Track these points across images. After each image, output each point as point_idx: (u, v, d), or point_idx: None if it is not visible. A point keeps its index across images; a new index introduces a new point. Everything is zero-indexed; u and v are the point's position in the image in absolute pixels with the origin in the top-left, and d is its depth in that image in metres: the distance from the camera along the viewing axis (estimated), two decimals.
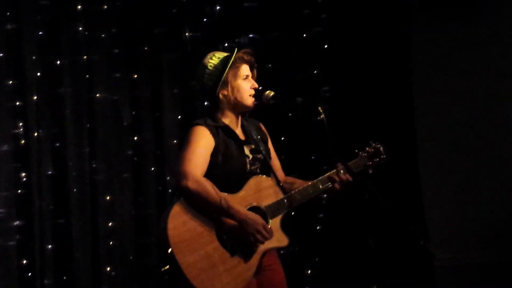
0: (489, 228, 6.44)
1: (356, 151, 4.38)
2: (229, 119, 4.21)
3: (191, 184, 3.89)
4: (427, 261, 6.17)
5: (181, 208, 3.91)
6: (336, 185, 4.22)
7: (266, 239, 3.99)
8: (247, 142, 4.24)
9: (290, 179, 4.40)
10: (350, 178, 4.23)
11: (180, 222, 3.88)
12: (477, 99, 6.61)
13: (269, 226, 4.04)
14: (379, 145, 4.37)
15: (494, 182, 6.54)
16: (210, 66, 4.18)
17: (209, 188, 3.92)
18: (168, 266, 3.87)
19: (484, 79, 6.64)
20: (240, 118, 4.27)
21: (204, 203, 3.91)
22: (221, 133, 4.13)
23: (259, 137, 4.30)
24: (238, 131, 4.24)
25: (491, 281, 6.31)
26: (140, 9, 6.40)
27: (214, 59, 4.21)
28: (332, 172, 4.23)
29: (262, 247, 4.04)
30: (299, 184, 4.29)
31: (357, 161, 4.34)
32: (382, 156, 4.35)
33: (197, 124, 4.12)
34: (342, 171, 4.22)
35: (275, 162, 4.40)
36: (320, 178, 4.24)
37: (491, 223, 6.46)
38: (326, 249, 6.59)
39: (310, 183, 4.23)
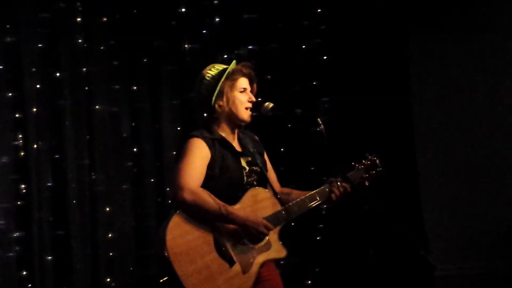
0: (490, 238, 6.43)
1: (353, 163, 4.38)
2: (225, 131, 4.21)
3: (187, 196, 3.90)
4: (428, 271, 6.15)
5: (179, 220, 3.91)
6: (333, 196, 4.23)
7: (267, 236, 4.04)
8: (243, 154, 4.24)
9: (286, 190, 4.41)
10: (348, 189, 4.25)
11: (178, 234, 3.88)
12: (477, 108, 6.61)
13: (267, 238, 4.07)
14: (375, 158, 4.38)
15: (495, 192, 6.53)
16: (208, 76, 4.20)
17: (207, 197, 3.93)
18: (166, 277, 3.88)
19: (483, 88, 6.65)
20: (236, 130, 4.27)
21: (203, 212, 3.92)
22: (218, 145, 4.13)
23: (255, 149, 4.30)
24: (235, 143, 4.24)
25: None
26: (139, 21, 6.39)
27: (213, 70, 4.23)
28: (329, 183, 4.24)
29: (260, 258, 4.06)
30: (296, 194, 4.30)
31: (354, 174, 4.34)
32: (378, 169, 4.37)
33: (193, 136, 4.12)
34: (339, 182, 4.23)
35: (271, 174, 4.41)
36: (317, 189, 4.25)
37: (492, 233, 6.44)
38: (326, 260, 6.59)
39: (307, 195, 4.23)
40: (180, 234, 3.89)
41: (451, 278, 6.37)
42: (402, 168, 6.13)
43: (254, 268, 4.03)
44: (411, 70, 6.73)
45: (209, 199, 3.93)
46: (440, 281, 6.37)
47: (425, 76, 6.77)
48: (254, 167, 4.23)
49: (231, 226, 3.99)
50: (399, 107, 6.67)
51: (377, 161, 4.37)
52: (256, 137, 4.43)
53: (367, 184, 4.35)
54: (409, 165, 6.56)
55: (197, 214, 3.93)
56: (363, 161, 4.38)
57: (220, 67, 4.25)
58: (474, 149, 6.60)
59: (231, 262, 3.96)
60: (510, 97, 6.62)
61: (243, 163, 4.21)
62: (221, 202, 3.95)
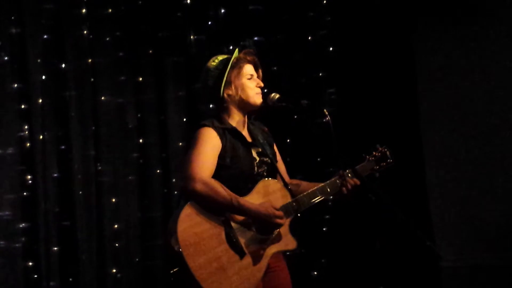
0: (496, 230, 6.41)
1: (363, 155, 4.38)
2: (236, 121, 4.20)
3: (199, 187, 3.88)
4: (434, 262, 6.16)
5: (191, 211, 3.89)
6: (344, 189, 4.21)
7: (280, 226, 4.02)
8: (254, 144, 4.23)
9: (296, 181, 4.38)
10: (357, 182, 4.23)
11: (189, 225, 3.86)
12: (484, 99, 6.58)
13: (278, 229, 4.06)
14: (385, 150, 4.39)
15: (502, 184, 6.50)
16: (213, 67, 4.20)
17: (219, 188, 3.91)
18: (177, 268, 3.86)
19: (489, 80, 6.62)
20: (246, 120, 4.26)
21: (214, 203, 3.91)
22: (228, 135, 4.12)
23: (265, 140, 4.30)
24: (245, 134, 4.23)
25: (497, 283, 6.29)
26: (144, 13, 6.41)
27: (216, 61, 4.23)
28: (339, 176, 4.22)
29: (271, 250, 4.05)
30: (305, 186, 4.28)
31: (364, 165, 4.35)
32: (389, 160, 4.38)
33: (204, 125, 4.10)
34: (350, 174, 4.22)
35: (281, 165, 4.39)
36: (328, 181, 4.22)
37: (497, 225, 6.42)
38: (332, 251, 6.58)
39: (318, 187, 4.20)
40: (191, 225, 3.87)
41: (457, 269, 6.35)
42: (408, 159, 6.13)
43: (265, 260, 4.02)
44: (416, 60, 6.71)
45: (221, 190, 3.91)
46: (446, 272, 6.37)
47: (431, 66, 6.73)
48: (264, 158, 4.22)
49: (243, 217, 3.98)
50: (405, 97, 6.65)
51: (388, 152, 4.38)
52: (266, 128, 4.42)
53: (377, 176, 4.35)
54: (415, 156, 6.54)
55: (208, 205, 3.91)
56: (374, 153, 4.38)
57: (222, 57, 4.25)
58: (481, 140, 6.57)
59: (241, 254, 3.94)
60: None
61: (254, 153, 4.20)
62: (233, 194, 3.94)
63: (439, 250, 5.92)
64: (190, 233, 3.85)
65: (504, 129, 6.54)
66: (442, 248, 6.23)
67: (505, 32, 6.63)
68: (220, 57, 4.25)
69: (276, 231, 4.06)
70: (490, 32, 6.63)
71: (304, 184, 4.33)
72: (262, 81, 4.26)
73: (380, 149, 4.39)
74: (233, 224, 3.97)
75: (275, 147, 4.40)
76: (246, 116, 4.26)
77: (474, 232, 6.48)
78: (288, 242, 4.14)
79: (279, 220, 3.99)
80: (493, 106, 6.59)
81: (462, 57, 6.68)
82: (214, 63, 4.21)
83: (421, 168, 6.59)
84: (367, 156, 4.37)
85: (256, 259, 3.99)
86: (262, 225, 3.99)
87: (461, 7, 6.65)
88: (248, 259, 3.96)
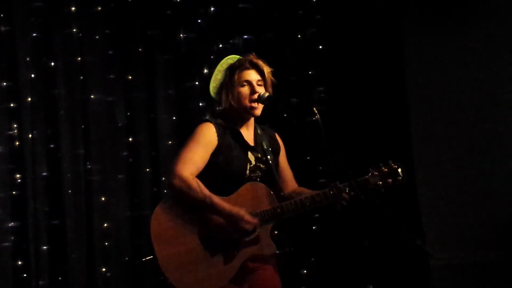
0: (485, 228, 6.40)
1: (370, 169, 4.18)
2: (240, 122, 4.23)
3: (176, 182, 3.95)
4: (423, 261, 6.16)
5: (168, 205, 4.00)
6: (338, 206, 4.13)
7: (250, 230, 4.01)
8: (253, 149, 4.24)
9: (299, 189, 4.37)
10: (352, 195, 4.12)
11: (164, 219, 3.96)
12: (474, 100, 6.56)
13: (256, 232, 4.06)
14: (397, 166, 4.18)
15: (491, 182, 6.49)
16: (216, 72, 4.26)
17: (194, 185, 3.96)
18: (150, 257, 3.96)
19: (480, 81, 6.60)
20: (253, 123, 4.29)
21: (188, 200, 3.96)
22: (228, 134, 4.16)
23: (270, 148, 4.31)
24: (248, 136, 4.25)
25: (487, 281, 6.29)
26: (134, 10, 6.39)
27: (224, 65, 4.26)
28: (334, 187, 4.11)
29: (245, 252, 4.06)
30: (306, 194, 4.20)
31: (367, 179, 4.17)
32: (398, 178, 4.16)
33: (206, 120, 4.15)
34: (346, 189, 4.09)
35: (287, 172, 4.41)
36: (321, 192, 4.14)
37: (487, 223, 6.41)
38: (322, 249, 6.58)
39: (308, 196, 4.14)
40: (166, 220, 3.96)
41: (447, 267, 6.35)
42: (398, 159, 6.11)
43: (237, 261, 4.04)
44: (406, 58, 6.69)
45: (196, 187, 3.96)
46: (436, 271, 6.37)
47: (423, 65, 6.72)
48: (261, 164, 4.23)
49: (220, 218, 4.01)
50: (395, 95, 6.63)
51: (399, 169, 4.15)
52: (276, 135, 4.46)
53: (382, 191, 4.15)
54: (405, 156, 6.52)
55: (184, 201, 3.98)
56: (382, 167, 4.18)
57: (232, 60, 4.26)
58: (471, 139, 6.56)
59: (213, 252, 3.98)
60: (506, 88, 6.59)
61: (251, 157, 4.21)
62: (208, 193, 3.98)
63: (429, 249, 5.93)
64: (163, 227, 3.94)
65: (497, 129, 6.54)
66: (432, 246, 6.23)
67: (497, 30, 6.62)
68: (230, 60, 4.26)
69: (254, 235, 4.06)
70: (484, 35, 6.62)
71: (307, 191, 4.27)
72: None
73: (390, 164, 4.17)
74: (209, 222, 4.01)
75: (282, 154, 4.42)
76: (252, 119, 4.28)
77: (464, 230, 6.48)
78: (265, 247, 4.12)
79: (248, 225, 4.00)
80: (486, 104, 6.57)
81: (454, 55, 6.66)
82: (217, 69, 4.26)
83: (411, 166, 6.57)
84: (372, 170, 4.17)
85: (228, 259, 4.02)
86: (234, 227, 4.01)
87: (455, 6, 6.63)
88: (219, 258, 4.00)
